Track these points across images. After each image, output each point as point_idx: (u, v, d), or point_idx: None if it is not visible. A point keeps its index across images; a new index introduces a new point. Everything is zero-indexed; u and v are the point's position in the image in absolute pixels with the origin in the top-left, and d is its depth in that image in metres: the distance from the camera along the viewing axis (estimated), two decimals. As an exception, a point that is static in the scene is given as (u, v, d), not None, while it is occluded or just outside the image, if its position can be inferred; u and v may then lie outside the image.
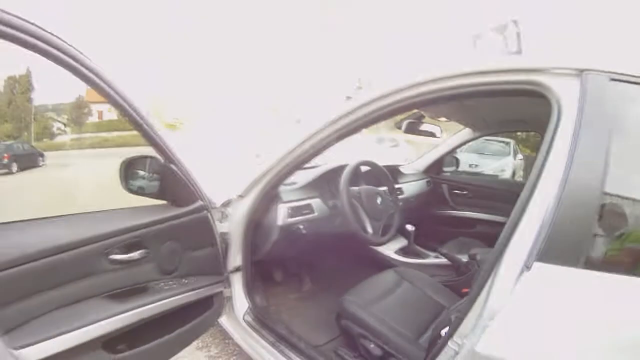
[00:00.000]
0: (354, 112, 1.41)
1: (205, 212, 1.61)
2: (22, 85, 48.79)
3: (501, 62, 1.15)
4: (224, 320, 2.00)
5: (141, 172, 1.56)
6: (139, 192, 1.55)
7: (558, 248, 0.84)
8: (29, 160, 18.56)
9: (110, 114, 49.77)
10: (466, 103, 1.74)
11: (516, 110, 2.20)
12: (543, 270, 0.83)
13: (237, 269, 1.87)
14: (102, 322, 1.20)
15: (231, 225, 1.82)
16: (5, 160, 15.94)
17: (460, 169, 3.80)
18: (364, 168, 2.37)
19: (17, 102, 46.78)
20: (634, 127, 0.96)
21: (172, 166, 1.46)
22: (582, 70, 0.96)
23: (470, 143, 3.77)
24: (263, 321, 1.84)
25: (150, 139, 1.37)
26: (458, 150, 3.76)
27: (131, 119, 1.30)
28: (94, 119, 50.64)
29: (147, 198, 1.56)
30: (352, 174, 2.14)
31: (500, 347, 0.84)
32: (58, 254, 1.15)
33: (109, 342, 1.26)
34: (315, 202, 2.25)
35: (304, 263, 2.44)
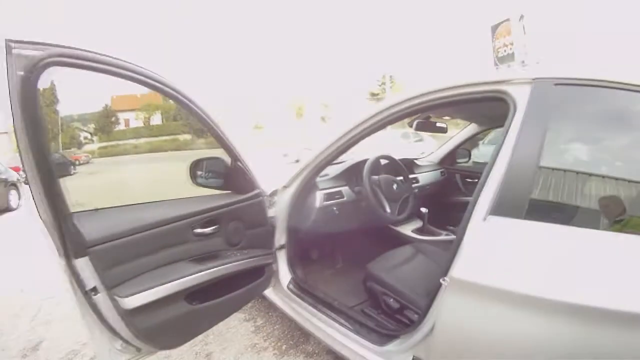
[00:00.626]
0: (373, 116, 1.83)
1: (260, 198, 2.06)
2: (46, 98, 50.59)
3: (475, 76, 1.54)
4: (269, 292, 2.43)
5: (205, 169, 2.02)
6: (205, 184, 2.01)
7: (505, 206, 1.24)
8: (61, 169, 19.31)
9: (137, 121, 50.95)
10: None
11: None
12: (495, 221, 1.24)
13: (281, 247, 2.30)
14: (186, 279, 1.64)
15: (277, 210, 2.24)
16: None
17: (478, 159, 4.13)
18: (383, 161, 2.89)
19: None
20: (566, 118, 1.35)
21: (238, 163, 1.91)
22: (533, 79, 1.34)
23: (490, 137, 4.11)
24: (304, 289, 2.25)
25: (222, 143, 1.83)
26: (480, 142, 4.22)
27: (208, 128, 1.76)
28: (121, 126, 51.98)
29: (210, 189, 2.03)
30: (372, 165, 2.68)
31: (465, 272, 1.26)
32: (160, 227, 1.62)
33: (189, 295, 1.69)
34: (345, 189, 2.72)
35: (336, 239, 2.86)
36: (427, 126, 2.80)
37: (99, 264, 1.40)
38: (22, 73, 1.15)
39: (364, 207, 2.66)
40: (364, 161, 2.75)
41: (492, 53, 19.64)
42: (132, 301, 1.46)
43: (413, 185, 3.16)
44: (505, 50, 19.09)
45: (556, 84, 1.31)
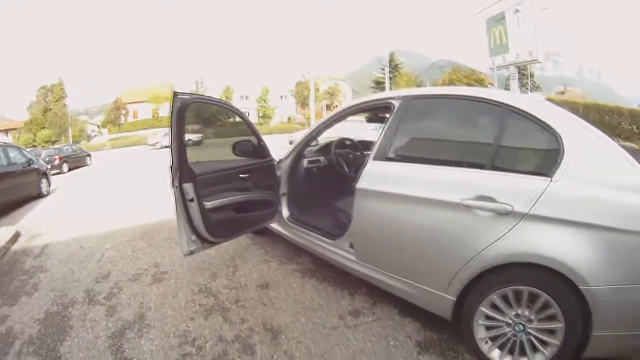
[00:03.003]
0: (332, 115, 3.33)
1: (272, 162, 3.47)
2: (55, 94, 51.82)
3: (380, 94, 2.99)
4: (275, 225, 3.73)
5: (243, 147, 3.38)
6: (241, 155, 3.35)
7: (378, 156, 2.61)
8: (78, 161, 20.75)
9: (146, 113, 53.07)
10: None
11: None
12: (375, 162, 2.62)
13: (284, 194, 3.61)
14: (233, 198, 2.99)
15: (281, 171, 3.60)
16: (57, 162, 17.69)
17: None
18: (347, 142, 4.26)
19: (54, 110, 49.63)
20: (411, 114, 2.63)
21: (262, 142, 3.34)
22: (402, 96, 2.69)
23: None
24: (297, 219, 3.53)
25: (253, 131, 3.34)
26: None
27: (247, 124, 3.29)
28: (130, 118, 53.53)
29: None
30: (338, 143, 4.12)
31: (360, 184, 2.61)
32: (223, 172, 3.01)
33: (235, 208, 3.03)
34: (321, 158, 4.10)
35: (315, 188, 4.01)
36: (373, 119, 4.20)
37: (197, 186, 2.71)
38: (179, 105, 2.56)
39: (333, 169, 3.93)
40: (333, 141, 4.13)
41: (487, 44, 20.68)
42: (209, 205, 2.79)
43: (365, 153, 4.42)
44: (499, 43, 20.04)
45: (412, 98, 2.70)
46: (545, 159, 2.12)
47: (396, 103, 2.73)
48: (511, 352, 2.14)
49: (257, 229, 3.64)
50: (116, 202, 7.85)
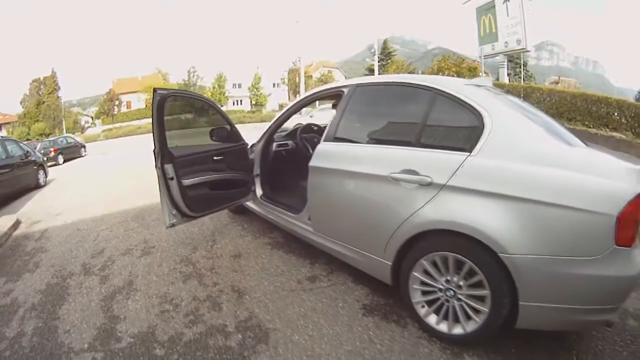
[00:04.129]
0: (295, 102, 3.72)
1: (243, 146, 3.87)
2: (48, 86, 51.92)
3: (335, 83, 3.42)
4: (250, 203, 4.20)
5: (219, 133, 3.80)
6: (217, 140, 3.76)
7: (327, 139, 3.06)
8: (73, 152, 21.14)
9: (140, 103, 53.27)
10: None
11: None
12: (325, 144, 3.08)
13: (257, 175, 4.05)
14: (208, 177, 3.45)
15: (254, 154, 4.03)
16: (53, 154, 18.06)
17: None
18: (314, 127, 4.69)
19: (48, 102, 49.70)
20: (356, 99, 3.06)
21: (234, 129, 3.76)
22: (350, 84, 3.14)
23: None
24: (269, 197, 3.97)
25: (227, 120, 3.75)
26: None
27: (216, 110, 3.68)
28: (124, 109, 53.66)
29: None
30: (303, 128, 4.54)
31: (312, 163, 3.11)
32: (200, 154, 3.48)
33: (210, 186, 3.48)
34: (290, 142, 4.56)
35: (284, 169, 4.43)
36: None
37: (177, 166, 3.14)
38: (158, 99, 2.97)
39: (300, 151, 4.22)
40: (300, 126, 4.59)
41: (477, 32, 20.92)
42: (187, 182, 3.23)
43: None
44: (489, 32, 20.29)
45: (357, 87, 3.10)
46: (466, 136, 2.36)
47: (345, 91, 3.16)
48: (447, 317, 2.37)
49: (232, 206, 4.15)
50: (110, 189, 8.28)
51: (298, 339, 2.37)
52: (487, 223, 2.09)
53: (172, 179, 3.13)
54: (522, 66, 42.76)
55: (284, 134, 4.64)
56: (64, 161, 19.08)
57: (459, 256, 2.22)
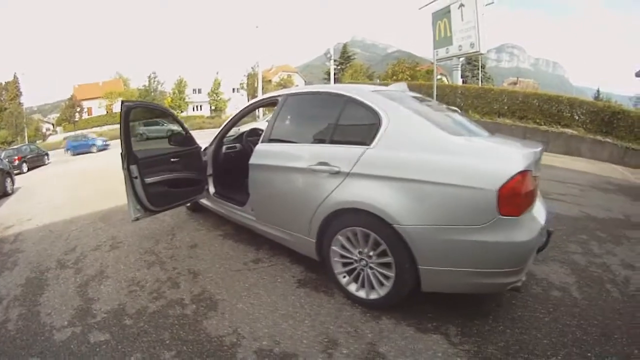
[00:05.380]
0: (243, 107, 4.37)
1: (197, 149, 4.43)
2: (10, 92, 50.43)
3: (271, 93, 4.02)
4: (204, 200, 4.79)
5: (176, 138, 4.37)
6: (173, 144, 4.31)
7: (264, 140, 3.68)
8: (37, 160, 21.22)
9: (100, 109, 52.49)
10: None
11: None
12: (263, 144, 3.68)
13: (210, 175, 4.61)
14: (166, 176, 4.05)
15: (207, 157, 4.58)
16: (17, 162, 18.15)
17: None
18: (259, 131, 5.11)
19: (10, 109, 48.37)
20: (287, 107, 3.70)
21: (188, 134, 4.34)
22: (283, 94, 3.79)
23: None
24: (220, 194, 4.53)
25: (181, 126, 4.31)
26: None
27: (173, 118, 4.25)
28: (85, 115, 52.80)
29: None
30: (249, 132, 5.20)
31: (252, 160, 3.67)
32: (159, 156, 4.06)
33: (168, 184, 4.07)
34: (237, 145, 5.11)
35: (233, 169, 4.84)
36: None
37: (140, 166, 3.67)
38: (125, 109, 3.53)
39: (246, 153, 4.73)
40: (246, 131, 5.23)
41: (432, 38, 21.77)
42: (149, 180, 3.77)
43: None
44: (444, 36, 21.16)
45: (288, 96, 3.72)
46: (367, 132, 2.86)
47: (279, 99, 3.77)
48: (364, 285, 2.85)
49: (188, 202, 4.70)
50: (76, 194, 8.74)
51: (241, 306, 2.97)
52: (382, 201, 2.59)
53: (136, 177, 3.67)
54: (479, 68, 44.40)
55: (232, 137, 5.21)
56: (28, 169, 19.12)
57: (365, 230, 2.73)
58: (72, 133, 47.90)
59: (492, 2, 22.56)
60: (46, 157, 23.03)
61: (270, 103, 4.06)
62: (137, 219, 3.86)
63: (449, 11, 20.79)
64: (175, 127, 4.54)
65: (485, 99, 18.61)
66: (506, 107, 17.92)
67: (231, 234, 4.57)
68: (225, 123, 4.61)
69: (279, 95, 3.84)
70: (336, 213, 2.89)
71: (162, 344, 2.57)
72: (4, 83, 51.30)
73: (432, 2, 21.87)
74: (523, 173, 2.28)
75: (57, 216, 6.52)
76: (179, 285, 3.40)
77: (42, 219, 6.45)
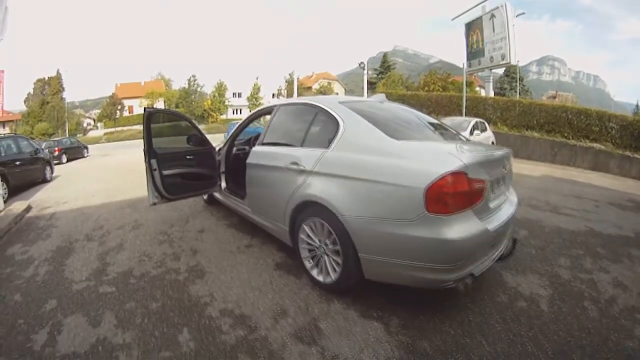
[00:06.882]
0: (252, 113, 5.02)
1: (210, 149, 5.12)
2: (52, 87, 53.15)
3: (270, 103, 4.71)
4: (217, 194, 5.47)
5: (194, 139, 5.03)
6: (192, 144, 5.01)
7: (259, 143, 4.33)
8: (76, 152, 22.85)
9: (141, 108, 53.27)
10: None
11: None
12: (257, 146, 4.32)
13: (222, 172, 5.28)
14: (182, 170, 4.73)
15: (220, 156, 5.25)
16: (57, 153, 19.60)
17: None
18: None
19: (52, 103, 50.98)
20: (280, 115, 4.29)
21: (203, 136, 5.03)
22: (278, 104, 4.42)
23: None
24: (231, 189, 5.16)
25: (196, 129, 5.01)
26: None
27: (190, 122, 4.98)
28: (126, 113, 54.91)
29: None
30: (256, 137, 5.52)
31: (249, 160, 4.34)
32: (177, 152, 4.78)
33: (182, 176, 4.75)
34: (247, 147, 5.60)
35: (243, 168, 5.03)
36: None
37: (159, 160, 4.40)
38: (147, 114, 4.30)
39: None
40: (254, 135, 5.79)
41: (465, 49, 21.98)
42: (166, 172, 4.48)
43: None
44: (477, 47, 21.36)
45: (281, 105, 4.34)
46: (329, 137, 3.31)
47: (275, 109, 4.37)
48: (322, 270, 3.28)
49: (200, 194, 5.39)
50: (110, 184, 9.72)
51: (224, 278, 3.59)
52: (331, 195, 3.02)
53: (155, 170, 4.37)
54: (517, 81, 44.04)
55: (242, 141, 5.86)
56: (67, 160, 20.65)
57: (321, 220, 3.15)
58: (112, 129, 50.15)
59: (523, 13, 22.72)
60: (85, 150, 24.81)
61: (269, 112, 4.62)
62: (155, 204, 4.54)
63: (481, 22, 21.09)
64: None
65: (513, 111, 18.61)
66: (535, 120, 17.83)
67: (235, 224, 5.23)
68: (236, 127, 5.29)
69: (274, 106, 4.46)
70: (302, 205, 3.37)
71: (152, 298, 3.26)
72: (47, 78, 54.50)
73: (465, 12, 22.09)
74: (454, 174, 2.46)
75: (90, 201, 7.44)
76: (180, 259, 4.10)
77: (76, 203, 7.37)
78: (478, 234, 2.59)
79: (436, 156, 2.70)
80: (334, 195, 2.99)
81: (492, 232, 2.72)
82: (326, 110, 3.53)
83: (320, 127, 3.61)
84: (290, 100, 4.54)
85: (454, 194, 2.49)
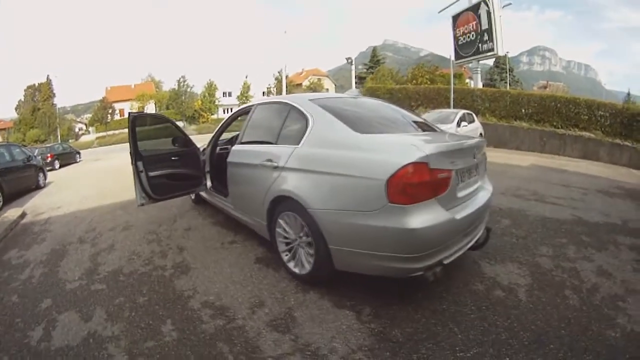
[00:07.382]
0: (232, 114, 5.24)
1: (195, 149, 5.33)
2: (43, 93, 53.14)
3: (248, 103, 4.94)
4: (203, 193, 5.69)
5: (178, 140, 5.25)
6: (177, 145, 5.23)
7: (237, 141, 4.59)
8: (68, 158, 23.03)
9: (132, 111, 53.11)
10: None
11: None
12: (237, 145, 4.55)
13: (208, 172, 5.47)
14: (167, 171, 4.93)
15: (205, 156, 5.44)
16: (49, 159, 19.78)
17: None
18: None
19: (43, 109, 50.94)
20: (256, 113, 4.52)
21: (187, 137, 5.27)
22: (255, 104, 4.68)
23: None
24: (216, 188, 5.35)
25: (181, 131, 5.24)
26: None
27: (173, 124, 5.19)
28: (117, 116, 54.97)
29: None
30: (237, 136, 5.76)
31: (230, 158, 4.52)
32: (161, 154, 5.00)
33: (167, 177, 4.94)
34: (229, 146, 5.54)
35: (223, 167, 4.87)
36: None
37: (145, 162, 4.58)
38: (132, 118, 4.48)
39: None
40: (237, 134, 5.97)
41: (452, 41, 22.06)
42: (152, 174, 4.65)
43: None
44: (465, 39, 21.47)
45: (258, 105, 4.57)
46: (300, 134, 3.43)
47: (252, 108, 4.58)
48: (298, 262, 3.41)
49: (186, 194, 5.55)
50: (101, 188, 9.93)
51: (207, 273, 3.80)
52: (301, 189, 3.16)
53: (142, 171, 4.55)
54: (507, 72, 44.38)
55: (225, 140, 6.00)
56: (60, 166, 20.79)
57: (294, 214, 3.28)
58: (104, 133, 50.22)
59: (510, 4, 22.89)
60: (77, 155, 24.97)
61: (247, 111, 4.78)
62: (142, 204, 4.74)
63: (468, 14, 21.11)
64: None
65: (501, 102, 18.83)
66: (523, 111, 18.11)
67: (221, 222, 5.44)
68: (217, 128, 5.49)
69: (252, 105, 4.68)
70: (277, 200, 3.50)
71: (140, 293, 3.49)
72: (37, 84, 54.58)
73: (452, 4, 22.23)
74: (415, 165, 2.54)
75: (83, 205, 7.69)
76: (167, 256, 4.33)
77: (69, 208, 7.61)
78: (443, 223, 2.66)
79: (398, 148, 2.80)
80: (304, 190, 3.13)
81: (459, 220, 2.81)
82: (297, 108, 3.69)
83: (292, 124, 3.74)
84: (266, 99, 4.73)
85: (415, 184, 2.56)
